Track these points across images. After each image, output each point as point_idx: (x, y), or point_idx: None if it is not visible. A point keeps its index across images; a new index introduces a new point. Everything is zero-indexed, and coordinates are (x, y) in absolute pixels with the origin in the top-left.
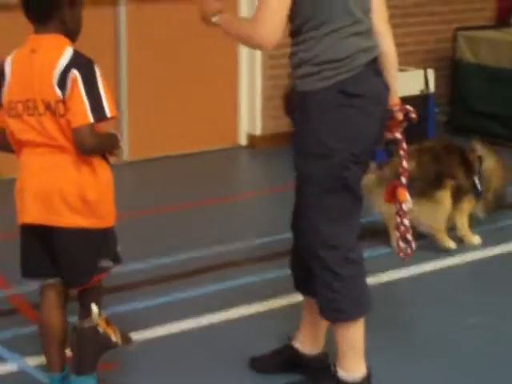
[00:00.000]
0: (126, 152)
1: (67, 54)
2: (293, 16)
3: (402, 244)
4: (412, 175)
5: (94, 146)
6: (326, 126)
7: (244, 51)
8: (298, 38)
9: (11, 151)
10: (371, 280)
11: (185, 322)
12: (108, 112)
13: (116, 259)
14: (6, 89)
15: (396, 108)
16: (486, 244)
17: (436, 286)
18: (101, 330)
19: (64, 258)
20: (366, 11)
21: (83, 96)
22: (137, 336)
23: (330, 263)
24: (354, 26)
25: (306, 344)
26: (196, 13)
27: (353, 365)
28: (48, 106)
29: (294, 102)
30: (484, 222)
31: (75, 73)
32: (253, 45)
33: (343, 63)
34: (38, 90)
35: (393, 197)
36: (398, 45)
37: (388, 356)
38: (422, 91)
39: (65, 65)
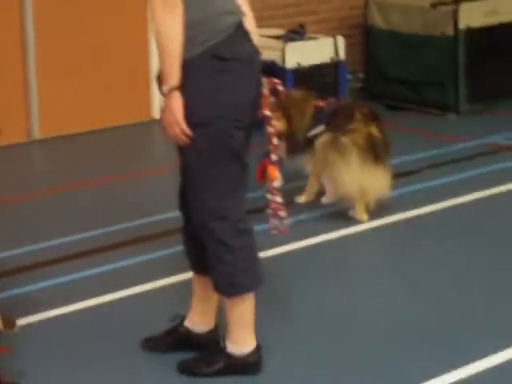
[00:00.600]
0: (37, 129)
1: None
2: None
3: (275, 221)
4: (376, 141)
5: None
6: (201, 93)
7: None
8: None
9: None
10: (266, 252)
11: (76, 304)
12: None
13: None
14: None
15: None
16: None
17: (334, 255)
18: None
19: None
20: None
21: None
22: (24, 320)
23: (221, 235)
24: None
25: (197, 322)
26: None
27: (243, 338)
28: None
29: None
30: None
31: None
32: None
33: (210, 26)
34: None
35: (263, 176)
36: (312, 12)
37: (279, 328)
38: (332, 59)
39: None
